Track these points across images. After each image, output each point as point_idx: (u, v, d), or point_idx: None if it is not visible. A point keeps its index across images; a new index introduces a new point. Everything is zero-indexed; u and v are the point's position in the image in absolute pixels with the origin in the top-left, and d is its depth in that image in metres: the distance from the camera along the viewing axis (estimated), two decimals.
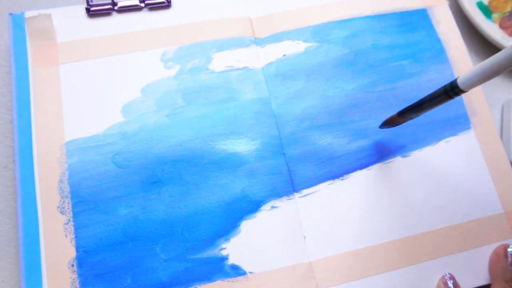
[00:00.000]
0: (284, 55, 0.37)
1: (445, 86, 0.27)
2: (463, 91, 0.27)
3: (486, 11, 0.42)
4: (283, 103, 0.35)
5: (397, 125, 0.33)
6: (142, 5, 0.37)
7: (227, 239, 0.32)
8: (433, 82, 0.37)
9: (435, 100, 0.28)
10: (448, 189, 0.34)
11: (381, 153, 0.35)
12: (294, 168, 0.34)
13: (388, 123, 0.33)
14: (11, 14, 0.35)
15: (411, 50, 0.38)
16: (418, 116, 0.31)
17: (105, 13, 0.37)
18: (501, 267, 0.32)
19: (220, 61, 0.36)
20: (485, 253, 0.33)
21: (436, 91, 0.28)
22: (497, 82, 0.41)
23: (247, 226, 0.32)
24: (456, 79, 0.27)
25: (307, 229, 0.32)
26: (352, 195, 0.34)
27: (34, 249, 0.30)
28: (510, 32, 0.42)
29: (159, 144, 0.33)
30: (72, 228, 0.31)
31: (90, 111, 0.34)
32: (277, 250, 0.32)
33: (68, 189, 0.31)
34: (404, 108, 0.31)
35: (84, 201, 0.31)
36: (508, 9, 0.43)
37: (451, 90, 0.27)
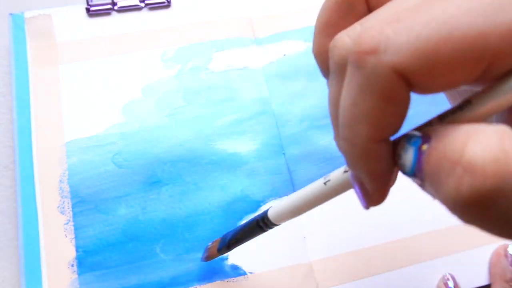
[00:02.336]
0: (284, 55, 0.37)
1: (257, 218, 0.26)
2: (276, 224, 0.25)
3: None
4: (283, 103, 0.35)
5: (218, 256, 0.30)
6: (142, 5, 0.37)
7: None
8: None
9: (249, 233, 0.27)
10: None
11: None
12: (294, 168, 0.34)
13: (209, 257, 0.30)
14: (11, 14, 0.35)
15: None
16: (234, 248, 0.28)
17: (105, 13, 0.37)
18: (501, 267, 0.32)
19: (220, 61, 0.36)
20: (485, 253, 0.33)
21: (249, 223, 0.27)
22: None
23: None
24: (267, 212, 0.25)
25: (307, 229, 0.32)
26: (352, 195, 0.33)
27: (34, 249, 0.30)
28: None
29: (159, 144, 0.33)
30: (72, 228, 0.31)
31: (90, 111, 0.34)
32: (277, 250, 0.32)
33: (68, 189, 0.31)
34: (222, 244, 0.29)
35: (84, 201, 0.31)
36: None
37: (264, 223, 0.25)
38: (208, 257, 0.30)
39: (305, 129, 0.35)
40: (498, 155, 0.13)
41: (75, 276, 0.30)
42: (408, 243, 0.33)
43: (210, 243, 0.30)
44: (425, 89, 0.15)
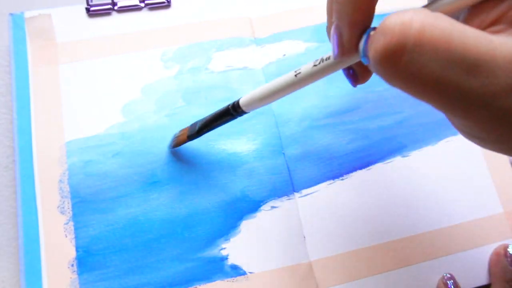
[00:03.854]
0: (284, 55, 0.37)
1: (229, 105, 0.28)
2: (245, 112, 0.27)
3: None
4: (283, 103, 0.35)
5: (187, 142, 0.32)
6: (142, 5, 0.37)
7: (227, 239, 0.32)
8: None
9: (220, 119, 0.29)
10: (448, 189, 0.34)
11: (381, 153, 0.35)
12: (294, 168, 0.34)
13: (178, 144, 0.32)
14: (11, 14, 0.35)
15: None
16: (204, 134, 0.30)
17: (105, 13, 0.37)
18: (501, 267, 0.32)
19: (220, 61, 0.36)
20: (485, 253, 0.33)
21: (221, 109, 0.29)
22: None
23: (247, 226, 0.32)
24: (239, 99, 0.27)
25: (307, 229, 0.32)
26: (352, 195, 0.34)
27: (34, 249, 0.30)
28: None
29: (159, 144, 0.33)
30: (72, 228, 0.31)
31: (90, 111, 0.34)
32: (277, 250, 0.32)
33: (68, 189, 0.31)
34: (192, 128, 0.30)
35: (84, 201, 0.31)
36: None
37: (234, 110, 0.27)
38: (176, 144, 0.32)
39: (305, 129, 0.35)
40: (405, 20, 0.16)
41: (75, 276, 0.30)
42: (408, 243, 0.33)
43: (177, 132, 0.32)
44: None
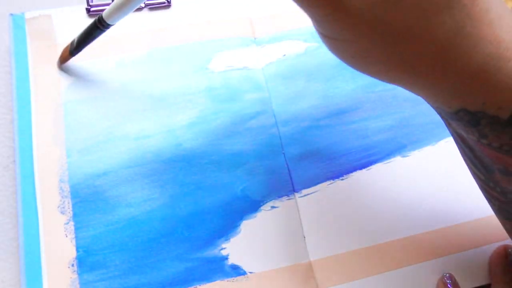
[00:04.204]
0: (284, 55, 0.37)
1: (95, 19, 0.31)
2: (110, 24, 0.30)
3: None
4: (283, 103, 0.35)
5: (71, 58, 0.34)
6: (142, 5, 0.37)
7: (227, 239, 0.32)
8: None
9: (92, 33, 0.32)
10: (448, 189, 0.34)
11: (381, 153, 0.35)
12: (294, 168, 0.34)
13: (64, 60, 0.34)
14: (11, 14, 0.35)
15: None
16: (82, 49, 0.33)
17: None
18: (502, 268, 0.32)
19: (220, 61, 0.36)
20: (485, 253, 0.33)
21: (90, 25, 0.31)
22: None
23: (247, 226, 0.32)
24: (102, 14, 0.30)
25: (307, 229, 0.32)
26: (352, 195, 0.34)
27: (34, 249, 0.30)
28: None
29: (159, 144, 0.33)
30: (72, 228, 0.31)
31: (90, 111, 0.34)
32: (277, 250, 0.32)
33: (68, 189, 0.31)
34: (72, 45, 0.33)
35: (84, 201, 0.31)
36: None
37: (100, 23, 0.30)
38: (63, 61, 0.34)
39: (305, 129, 0.35)
40: None
41: (75, 276, 0.30)
42: (408, 243, 0.33)
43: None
44: None
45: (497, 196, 0.25)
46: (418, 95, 0.23)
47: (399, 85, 0.22)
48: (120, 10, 0.29)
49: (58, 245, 0.30)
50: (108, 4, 0.36)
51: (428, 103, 0.24)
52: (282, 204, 0.33)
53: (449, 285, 0.31)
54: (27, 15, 0.36)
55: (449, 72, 0.20)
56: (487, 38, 0.19)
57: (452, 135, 0.25)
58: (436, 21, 0.19)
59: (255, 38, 0.37)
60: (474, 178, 0.26)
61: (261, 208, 0.33)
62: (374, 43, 0.20)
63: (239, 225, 0.32)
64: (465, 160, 0.26)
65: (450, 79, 0.20)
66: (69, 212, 0.31)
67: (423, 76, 0.21)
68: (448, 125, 0.25)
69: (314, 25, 0.22)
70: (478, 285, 0.32)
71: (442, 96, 0.22)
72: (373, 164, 0.35)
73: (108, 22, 0.30)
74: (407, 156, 0.35)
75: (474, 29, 0.19)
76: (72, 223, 0.31)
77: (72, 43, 0.33)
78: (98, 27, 0.31)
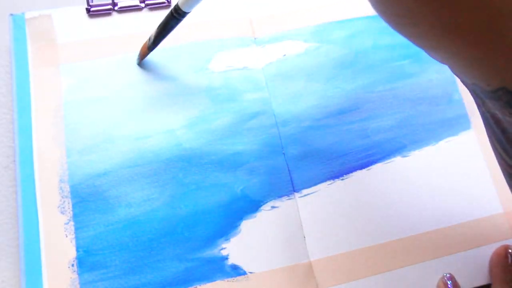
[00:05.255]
0: (284, 55, 0.37)
1: (171, 10, 0.31)
2: (186, 12, 0.30)
3: None
4: (283, 103, 0.35)
5: (149, 53, 0.34)
6: (142, 5, 0.37)
7: (227, 239, 0.32)
8: (433, 82, 0.37)
9: (169, 24, 0.32)
10: (448, 189, 0.34)
11: (381, 153, 0.35)
12: (294, 168, 0.34)
13: (142, 56, 0.35)
14: (11, 14, 0.35)
15: (411, 50, 0.38)
16: (160, 42, 0.33)
17: (106, 13, 0.37)
18: (502, 268, 0.32)
19: (220, 61, 0.36)
20: (485, 253, 0.33)
21: (166, 16, 0.32)
22: None
23: (247, 226, 0.32)
24: (177, 3, 0.30)
25: (307, 229, 0.32)
26: (352, 195, 0.34)
27: (34, 249, 0.30)
28: None
29: (159, 144, 0.33)
30: (72, 228, 0.31)
31: (91, 111, 0.34)
32: (277, 250, 0.32)
33: (68, 189, 0.31)
34: (149, 41, 0.33)
35: (84, 201, 0.31)
36: None
37: (176, 12, 0.31)
38: (142, 57, 0.35)
39: (305, 129, 0.35)
40: None
41: (75, 276, 0.30)
42: (408, 243, 0.33)
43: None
44: None
45: None
46: (454, 71, 0.22)
47: (438, 54, 0.21)
48: None
49: (58, 245, 0.30)
50: (109, 4, 0.36)
51: (463, 79, 0.22)
52: (282, 204, 0.33)
53: (449, 285, 0.31)
54: (27, 15, 0.36)
55: (497, 43, 0.19)
56: None
57: (483, 116, 0.24)
58: None
59: (255, 38, 0.37)
60: (500, 165, 0.25)
61: (261, 208, 0.33)
62: (426, 2, 0.18)
63: (239, 225, 0.32)
64: (493, 145, 0.25)
65: (497, 53, 0.19)
66: (69, 212, 0.31)
67: (470, 46, 0.19)
68: (482, 104, 0.23)
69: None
70: (478, 285, 0.32)
71: (483, 71, 0.20)
72: (373, 164, 0.35)
73: (184, 9, 0.30)
74: (407, 156, 0.35)
75: None
76: (72, 223, 0.31)
77: (149, 38, 0.33)
78: (175, 16, 0.31)
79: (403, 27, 0.20)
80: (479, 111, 0.24)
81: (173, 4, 0.37)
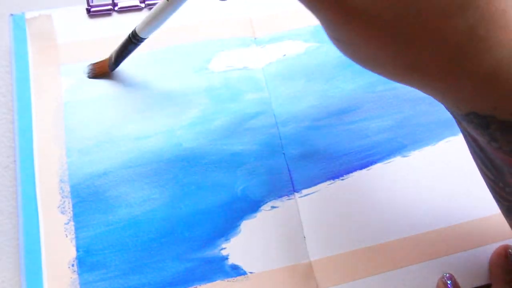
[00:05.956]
0: (284, 55, 0.37)
1: (129, 34, 0.31)
2: (143, 38, 0.31)
3: None
4: (283, 103, 0.35)
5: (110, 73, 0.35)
6: (143, 5, 0.37)
7: (227, 239, 0.32)
8: None
9: (126, 48, 0.32)
10: (448, 189, 0.34)
11: (381, 153, 0.35)
12: (294, 168, 0.34)
13: (98, 74, 0.35)
14: (12, 14, 0.35)
15: None
16: (119, 64, 0.34)
17: (106, 13, 0.37)
18: (502, 268, 0.32)
19: (220, 61, 0.36)
20: (485, 253, 0.33)
21: (124, 40, 0.32)
22: None
23: (247, 226, 0.32)
24: (135, 28, 0.31)
25: (307, 229, 0.32)
26: (352, 195, 0.34)
27: (34, 249, 0.30)
28: None
29: (159, 144, 0.33)
30: (72, 228, 0.31)
31: (91, 111, 0.34)
32: (277, 250, 0.32)
33: (69, 189, 0.31)
34: (110, 61, 0.34)
35: (84, 201, 0.31)
36: None
37: (134, 38, 0.31)
38: (97, 74, 0.35)
39: (305, 129, 0.35)
40: None
41: (75, 276, 0.30)
42: (408, 243, 0.33)
43: (94, 63, 0.35)
44: None
45: (506, 197, 0.25)
46: (429, 95, 0.23)
47: (411, 86, 0.22)
48: (152, 23, 0.30)
49: (58, 245, 0.30)
50: (109, 5, 0.37)
51: (440, 102, 0.23)
52: (282, 204, 0.33)
53: (449, 285, 0.31)
54: (27, 15, 0.36)
55: (460, 75, 0.20)
56: (501, 42, 0.19)
57: (463, 133, 0.25)
58: (449, 24, 0.18)
59: (255, 38, 0.37)
60: (483, 177, 0.26)
61: (261, 208, 0.33)
62: (385, 46, 0.19)
63: (239, 225, 0.32)
64: (474, 158, 0.25)
65: (461, 82, 0.20)
66: (69, 212, 0.31)
67: (434, 78, 0.20)
68: (459, 124, 0.24)
69: (323, 28, 0.21)
70: (478, 285, 0.32)
71: (452, 98, 0.21)
72: (373, 164, 0.35)
73: (141, 36, 0.31)
74: (407, 156, 0.35)
75: (488, 32, 0.18)
76: (72, 223, 0.31)
77: (110, 58, 0.34)
78: (132, 41, 0.31)
79: (371, 67, 0.22)
80: (459, 128, 0.25)
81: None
